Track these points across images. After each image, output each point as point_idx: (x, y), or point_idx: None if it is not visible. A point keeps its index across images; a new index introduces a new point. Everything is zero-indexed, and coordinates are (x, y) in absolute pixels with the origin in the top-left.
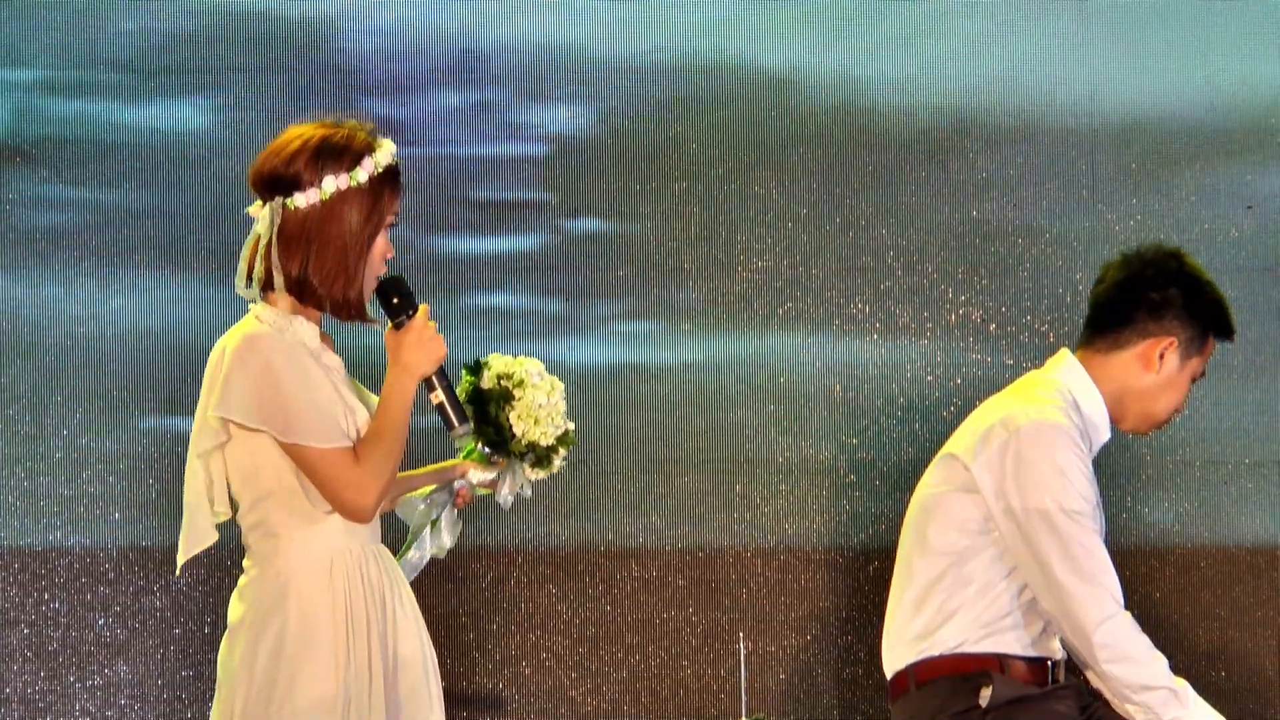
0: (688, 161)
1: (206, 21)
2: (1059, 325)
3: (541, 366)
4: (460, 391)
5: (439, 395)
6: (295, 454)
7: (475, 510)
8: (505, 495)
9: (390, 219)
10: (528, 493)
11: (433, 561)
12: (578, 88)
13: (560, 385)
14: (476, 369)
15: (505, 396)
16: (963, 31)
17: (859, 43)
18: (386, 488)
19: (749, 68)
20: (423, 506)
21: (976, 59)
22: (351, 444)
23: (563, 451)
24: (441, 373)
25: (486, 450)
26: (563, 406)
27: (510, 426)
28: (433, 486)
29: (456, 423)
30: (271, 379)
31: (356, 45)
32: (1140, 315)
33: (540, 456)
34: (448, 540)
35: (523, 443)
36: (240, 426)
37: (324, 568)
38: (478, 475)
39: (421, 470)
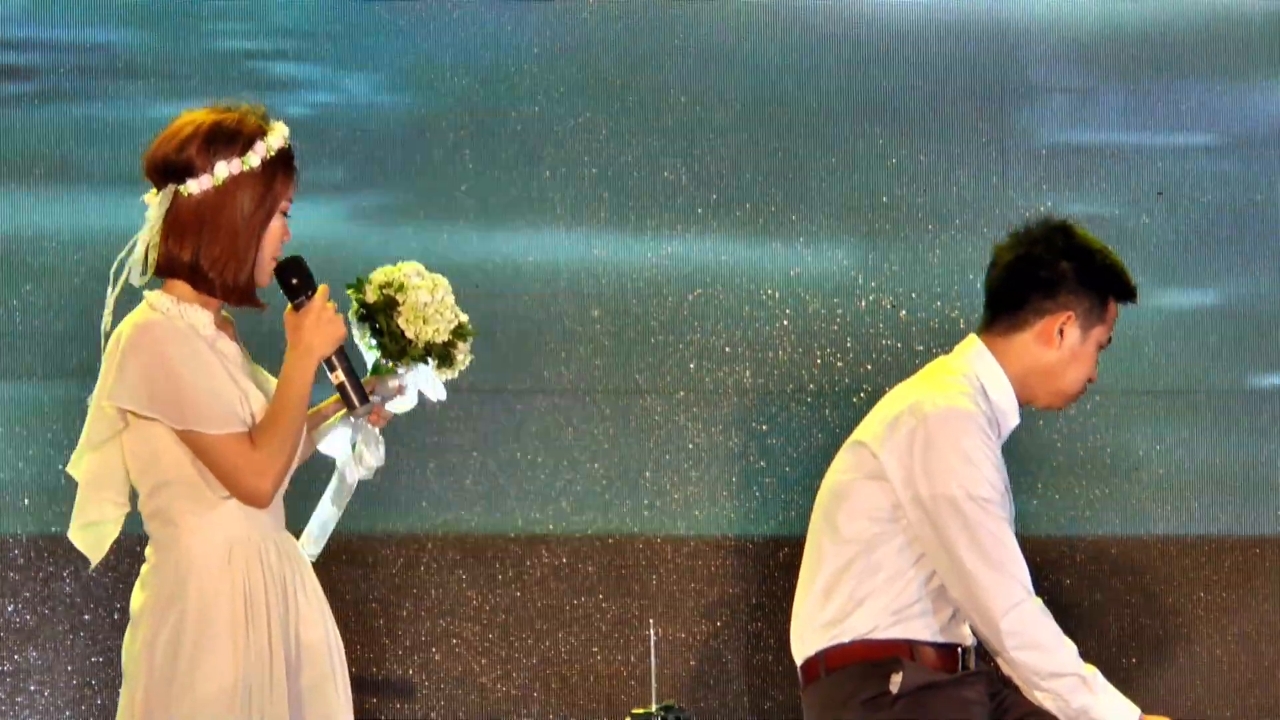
0: (597, 147)
1: None
2: (969, 311)
3: (420, 267)
4: (351, 313)
5: (339, 375)
6: (191, 441)
7: (384, 496)
8: (409, 402)
9: (284, 203)
10: (441, 395)
11: (342, 547)
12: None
13: (443, 281)
14: (359, 286)
15: (391, 304)
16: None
17: (769, 30)
18: (284, 471)
19: (659, 53)
20: (339, 428)
21: (886, 45)
22: (247, 429)
23: (463, 345)
24: (341, 352)
25: (387, 362)
26: (450, 300)
27: (403, 332)
28: (343, 412)
29: (357, 402)
30: (164, 366)
31: None
32: (1034, 295)
33: (441, 355)
34: (372, 460)
35: (419, 345)
36: (136, 415)
37: (223, 555)
38: (384, 389)
39: (330, 400)
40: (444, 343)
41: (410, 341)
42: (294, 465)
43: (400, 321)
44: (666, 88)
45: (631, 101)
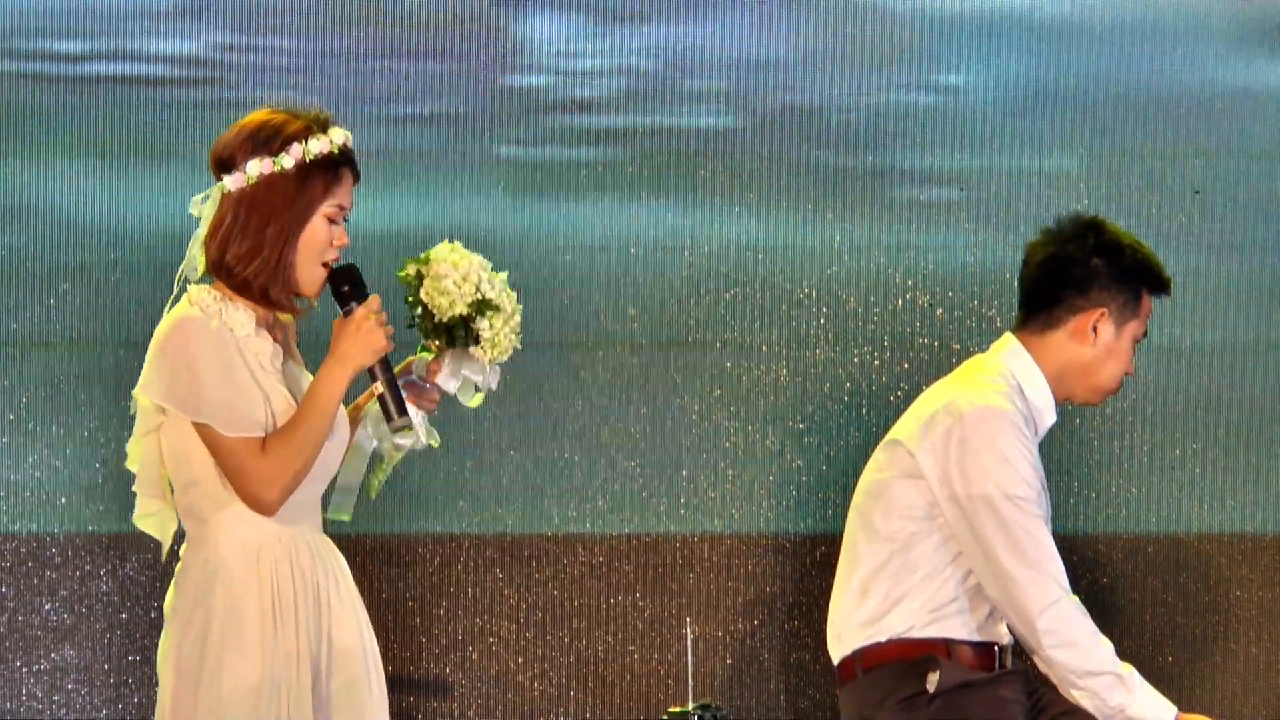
0: (635, 145)
1: None
2: (1005, 309)
3: (458, 244)
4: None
5: (379, 386)
6: (206, 439)
7: (421, 494)
8: (451, 381)
9: (327, 208)
10: (492, 382)
11: (379, 546)
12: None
13: (475, 256)
14: (403, 265)
15: (420, 279)
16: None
17: (813, 30)
18: (294, 481)
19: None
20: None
21: (921, 46)
22: (263, 435)
23: (488, 320)
24: (385, 363)
25: (428, 342)
26: (479, 276)
27: (426, 307)
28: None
29: (396, 414)
30: (189, 362)
31: None
32: (1067, 292)
33: (466, 330)
34: (425, 438)
35: (444, 319)
36: (165, 409)
37: (252, 555)
38: (420, 368)
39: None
40: (462, 316)
41: (430, 314)
42: (335, 466)
43: (423, 296)
44: (707, 86)
45: (670, 100)
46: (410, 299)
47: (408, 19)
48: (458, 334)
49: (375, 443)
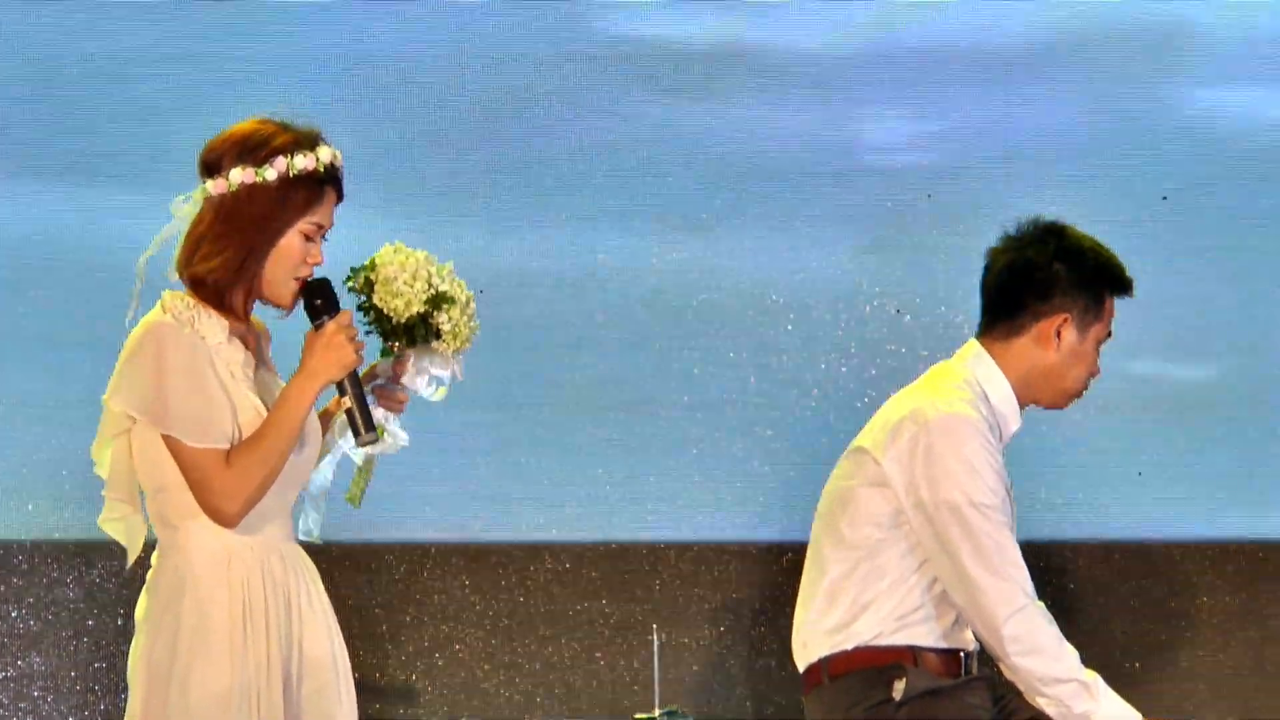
0: (601, 151)
1: None
2: (973, 315)
3: (400, 244)
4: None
5: (347, 401)
6: (171, 448)
7: (388, 502)
8: (418, 379)
9: (305, 225)
10: (457, 372)
11: (345, 553)
12: None
13: (419, 253)
14: (350, 275)
15: (370, 285)
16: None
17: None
18: (257, 495)
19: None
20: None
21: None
22: (228, 446)
23: (446, 313)
24: (354, 378)
25: (390, 346)
26: (428, 272)
27: (382, 311)
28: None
29: (363, 430)
30: (158, 370)
31: None
32: (1029, 299)
33: (424, 328)
34: (398, 441)
35: (402, 320)
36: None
37: (222, 562)
38: (386, 370)
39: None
40: (420, 314)
41: (387, 319)
42: (307, 474)
43: (377, 300)
44: (674, 92)
45: (637, 107)
46: (364, 307)
47: None
48: (418, 332)
49: (346, 447)
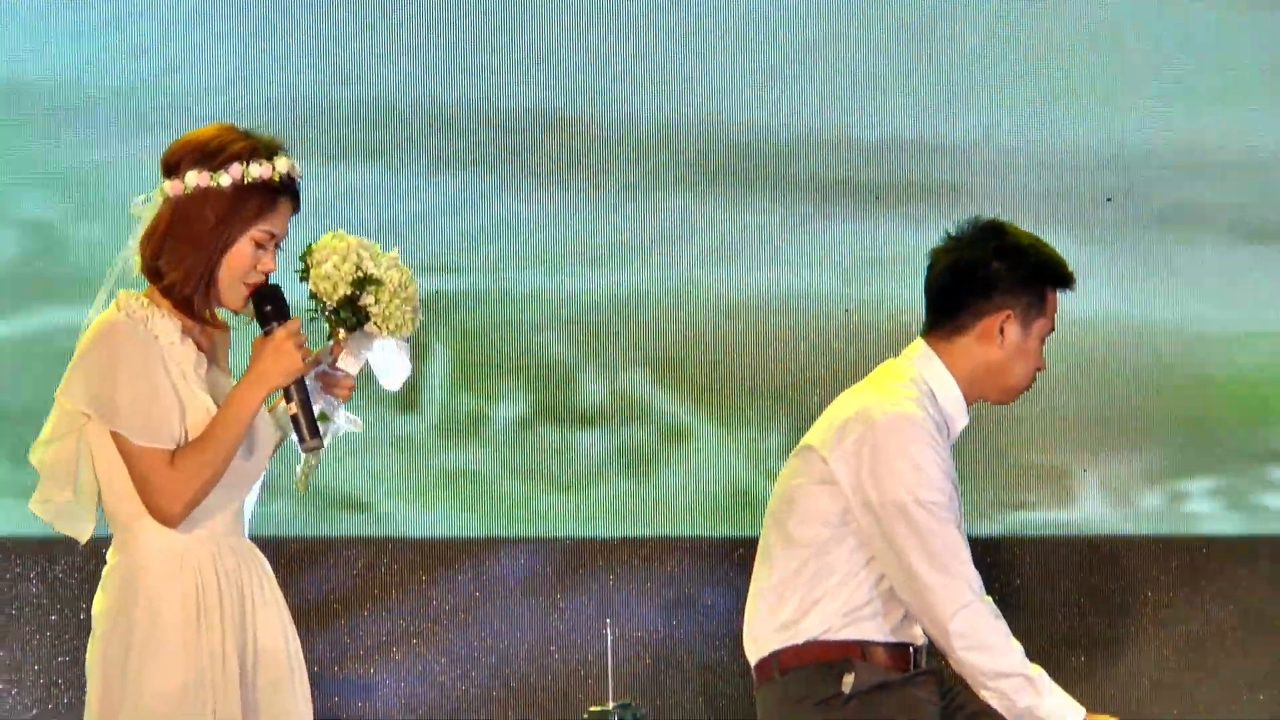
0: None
1: None
2: (920, 314)
3: (341, 231)
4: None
5: (293, 407)
6: (119, 446)
7: (347, 498)
8: (353, 363)
9: (256, 232)
10: (399, 360)
11: (303, 549)
12: None
13: (354, 239)
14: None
15: (307, 271)
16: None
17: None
18: (199, 496)
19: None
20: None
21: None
22: (173, 447)
23: (375, 295)
24: (301, 384)
25: (330, 332)
26: (358, 255)
27: (316, 291)
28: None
29: (308, 436)
30: (110, 368)
31: None
32: (970, 298)
33: (354, 310)
34: (344, 425)
35: (332, 303)
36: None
37: (174, 558)
38: (327, 357)
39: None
40: (345, 297)
41: (324, 304)
42: (258, 475)
43: (311, 284)
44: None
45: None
46: (311, 296)
47: None
48: (345, 315)
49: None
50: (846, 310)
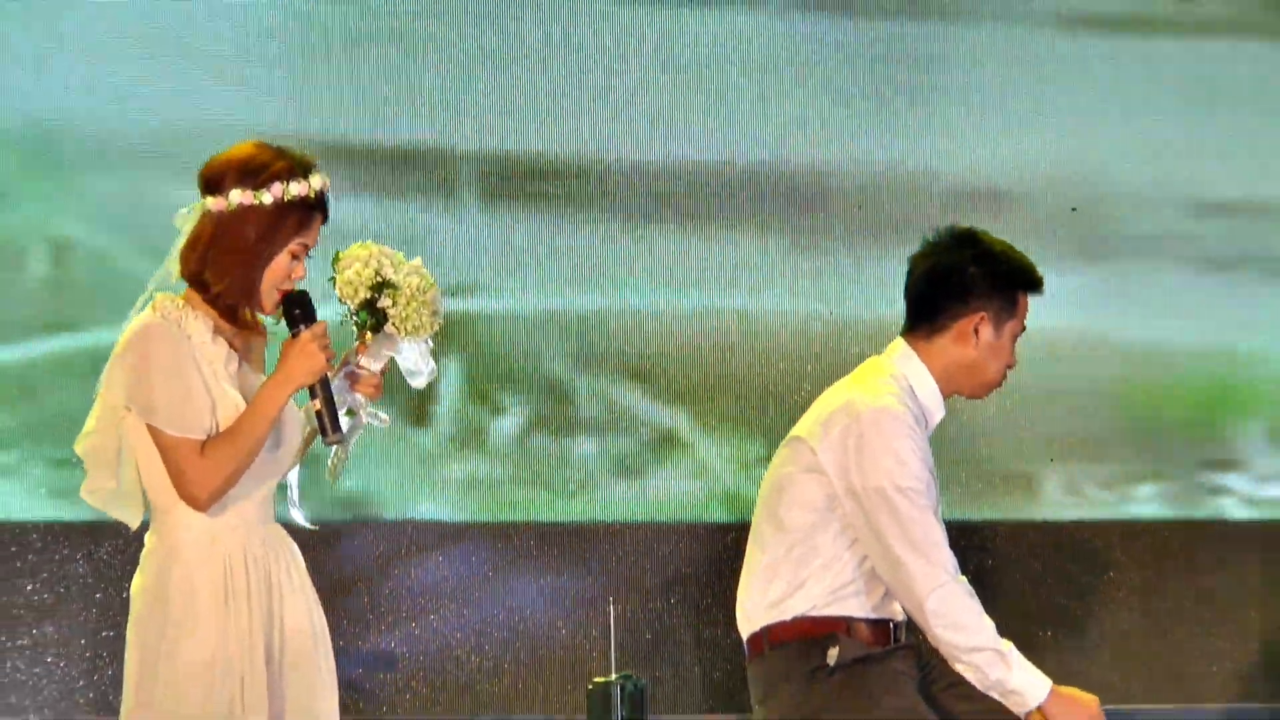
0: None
1: None
2: (899, 315)
3: (369, 241)
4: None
5: (317, 404)
6: (153, 436)
7: (370, 486)
8: (375, 363)
9: (294, 245)
10: (422, 362)
11: (331, 532)
12: None
13: (377, 246)
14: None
15: (333, 281)
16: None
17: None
18: (227, 484)
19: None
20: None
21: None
22: (204, 437)
23: (392, 298)
24: (324, 383)
25: (360, 331)
26: (379, 262)
27: (339, 293)
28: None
29: (330, 430)
30: (147, 365)
31: None
32: (947, 301)
33: (374, 312)
34: (367, 418)
35: (354, 306)
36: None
37: (206, 542)
38: (353, 357)
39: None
40: (365, 300)
41: (347, 305)
42: (286, 466)
43: (337, 289)
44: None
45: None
46: (339, 299)
47: None
48: (365, 317)
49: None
50: (831, 311)
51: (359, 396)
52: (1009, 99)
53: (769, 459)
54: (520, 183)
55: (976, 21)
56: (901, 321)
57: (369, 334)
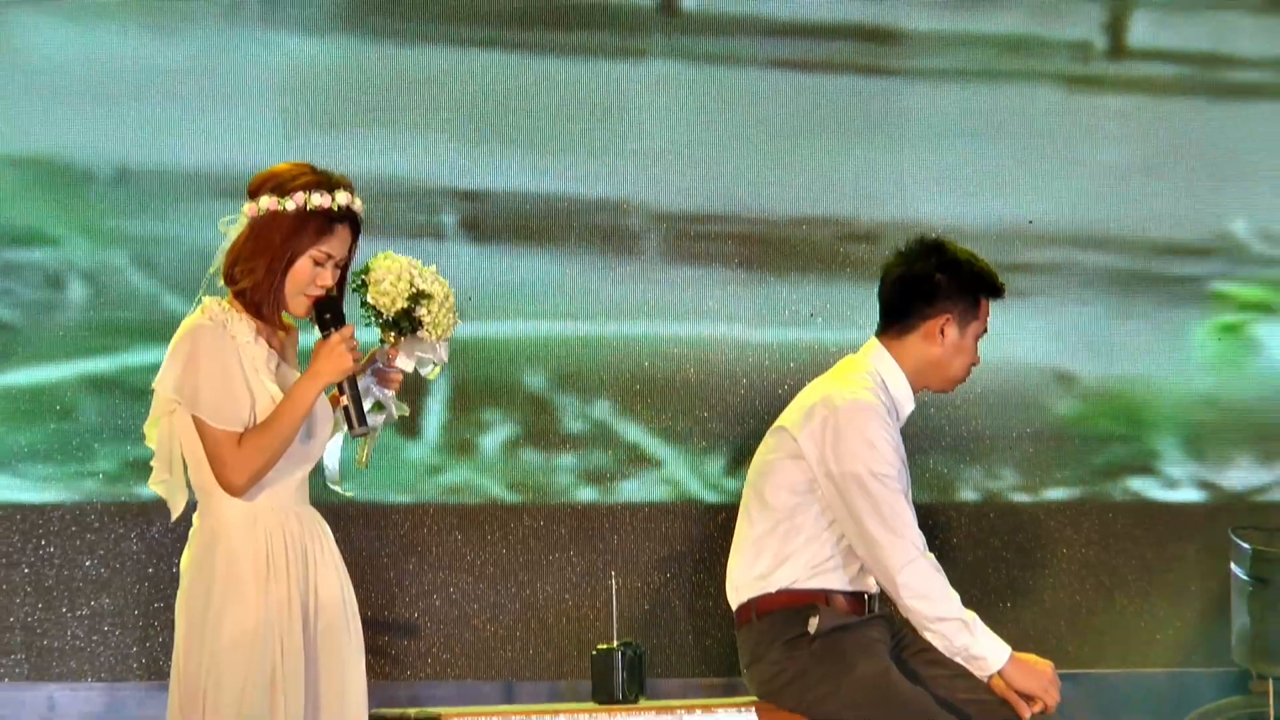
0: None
1: None
2: (873, 316)
3: (390, 252)
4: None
5: (344, 400)
6: (197, 426)
7: (394, 470)
8: (408, 362)
9: (316, 252)
10: (432, 358)
11: (360, 513)
12: None
13: (404, 258)
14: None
15: (364, 286)
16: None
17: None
18: (260, 472)
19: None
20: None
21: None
22: (243, 430)
23: (425, 308)
24: (352, 381)
25: (385, 335)
26: (410, 273)
27: (374, 306)
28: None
29: (356, 423)
30: (194, 362)
31: None
32: (917, 304)
33: (410, 319)
34: (395, 412)
35: (390, 315)
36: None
37: (249, 521)
38: (382, 357)
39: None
40: (402, 309)
41: (379, 313)
42: (318, 454)
43: (370, 299)
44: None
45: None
46: (362, 305)
47: None
48: (403, 324)
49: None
50: (811, 314)
51: (388, 392)
52: (939, 150)
53: (756, 447)
54: (503, 220)
55: (911, 82)
56: (872, 323)
57: (397, 337)
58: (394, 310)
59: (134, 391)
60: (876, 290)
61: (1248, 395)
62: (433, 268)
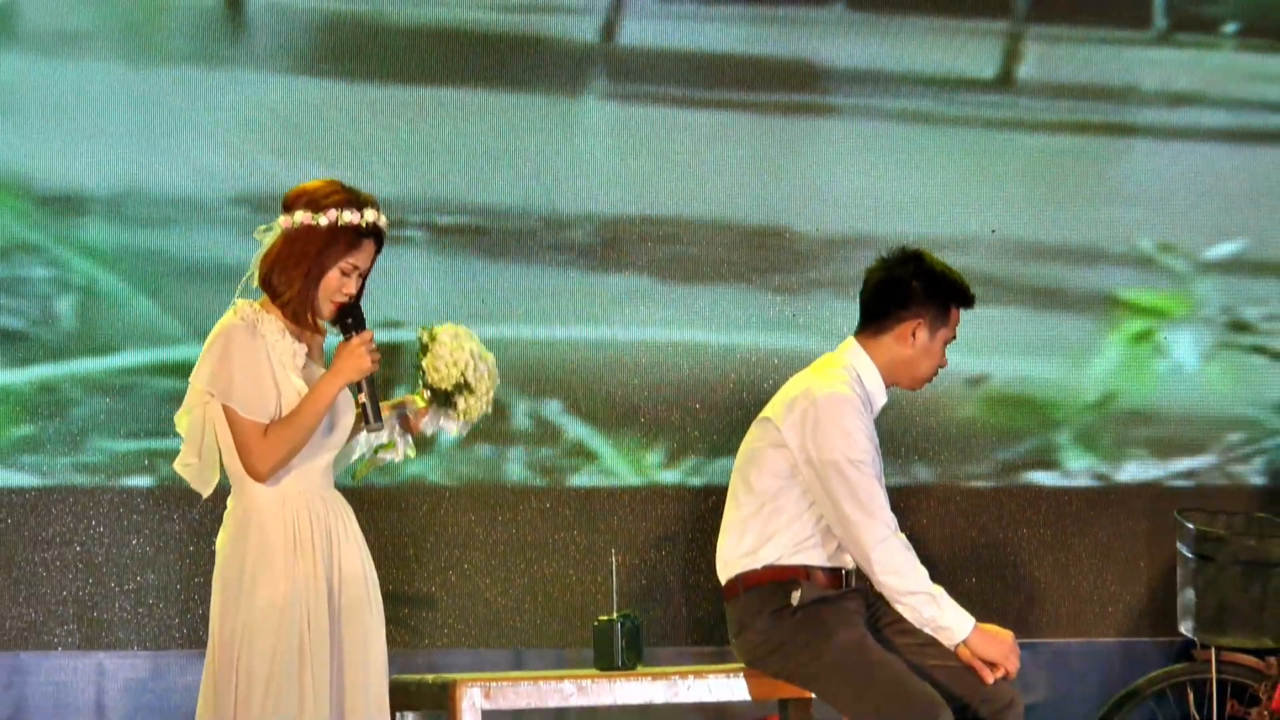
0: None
1: None
2: (850, 318)
3: (462, 330)
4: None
5: (362, 398)
6: (228, 416)
7: (415, 458)
8: (430, 428)
9: (344, 264)
10: (452, 432)
11: (382, 495)
12: None
13: (469, 346)
14: (425, 327)
15: (425, 350)
16: None
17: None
18: (282, 461)
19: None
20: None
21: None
22: (268, 421)
23: (467, 399)
24: (370, 380)
25: (423, 390)
26: (466, 363)
27: (423, 371)
28: (389, 413)
29: (371, 420)
30: (227, 358)
31: None
32: (893, 307)
33: (444, 399)
34: (401, 449)
35: (434, 386)
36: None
37: (278, 503)
38: (412, 408)
39: (386, 403)
40: (446, 391)
41: (424, 379)
42: (341, 442)
43: (424, 363)
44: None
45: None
46: (418, 355)
47: None
48: (440, 400)
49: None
50: (793, 315)
51: (407, 436)
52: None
53: (743, 435)
54: (468, 229)
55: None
56: (850, 324)
57: (434, 405)
58: (438, 386)
59: (178, 384)
60: (859, 294)
61: (1151, 395)
62: (491, 358)
